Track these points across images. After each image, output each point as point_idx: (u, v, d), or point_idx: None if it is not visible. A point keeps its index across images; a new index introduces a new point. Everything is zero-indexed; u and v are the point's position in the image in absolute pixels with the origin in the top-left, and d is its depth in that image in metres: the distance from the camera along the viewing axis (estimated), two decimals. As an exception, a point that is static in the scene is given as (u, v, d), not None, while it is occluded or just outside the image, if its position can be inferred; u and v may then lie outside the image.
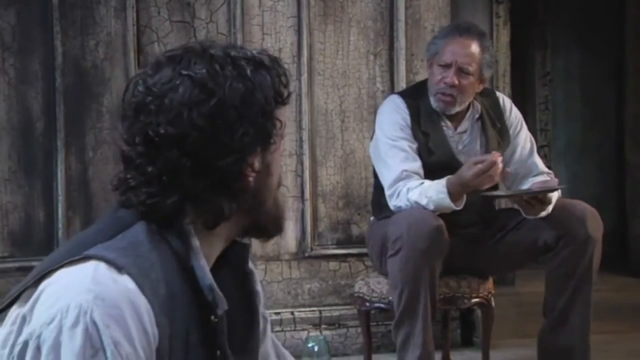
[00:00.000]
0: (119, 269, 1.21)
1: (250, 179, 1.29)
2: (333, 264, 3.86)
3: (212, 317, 1.27)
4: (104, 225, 1.29)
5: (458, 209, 2.90)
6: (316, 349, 3.14)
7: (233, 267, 1.38)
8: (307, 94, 3.80)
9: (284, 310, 3.80)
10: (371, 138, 3.24)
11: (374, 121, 3.26)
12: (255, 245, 3.75)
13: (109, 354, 1.16)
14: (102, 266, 1.21)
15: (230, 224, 1.31)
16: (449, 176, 2.89)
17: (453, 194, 2.87)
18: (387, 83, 3.85)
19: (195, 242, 1.28)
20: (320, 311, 3.84)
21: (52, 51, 3.62)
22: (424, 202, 2.89)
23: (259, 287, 1.45)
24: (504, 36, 4.73)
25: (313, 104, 3.82)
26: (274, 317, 3.74)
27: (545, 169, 3.20)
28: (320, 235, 3.86)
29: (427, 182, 2.93)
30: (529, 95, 6.29)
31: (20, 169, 3.64)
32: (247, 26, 3.76)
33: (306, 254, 3.83)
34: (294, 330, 3.79)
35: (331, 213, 3.86)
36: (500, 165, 2.84)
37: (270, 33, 3.79)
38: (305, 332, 3.75)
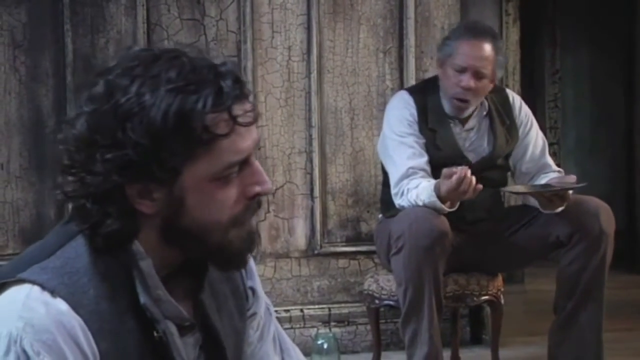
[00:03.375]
0: (51, 291, 1.19)
1: (142, 206, 1.21)
2: (342, 262, 3.87)
3: (155, 333, 1.24)
4: (49, 239, 1.27)
5: (452, 209, 2.90)
6: (325, 346, 3.14)
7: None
8: (317, 91, 3.81)
9: (293, 307, 3.81)
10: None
11: (383, 119, 3.26)
12: (265, 242, 3.77)
13: None
14: (35, 290, 1.19)
15: (162, 247, 1.24)
16: (436, 181, 2.89)
17: (442, 198, 2.86)
18: (397, 81, 3.85)
19: (140, 252, 1.23)
20: (329, 308, 3.84)
21: (62, 49, 3.63)
22: (420, 203, 2.90)
23: (251, 282, 1.41)
24: (513, 34, 4.73)
25: (322, 102, 3.83)
26: (283, 314, 3.75)
27: (556, 168, 3.19)
28: (329, 233, 3.86)
29: (423, 184, 2.92)
30: (539, 93, 6.28)
31: (31, 167, 3.65)
32: (257, 24, 3.77)
33: (315, 252, 3.84)
34: (304, 327, 3.80)
35: (340, 210, 3.86)
36: (473, 179, 2.77)
37: (279, 31, 3.80)
38: (315, 329, 3.76)
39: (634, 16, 5.74)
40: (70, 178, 1.23)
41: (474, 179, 2.78)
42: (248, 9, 3.75)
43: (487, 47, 3.00)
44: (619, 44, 6.08)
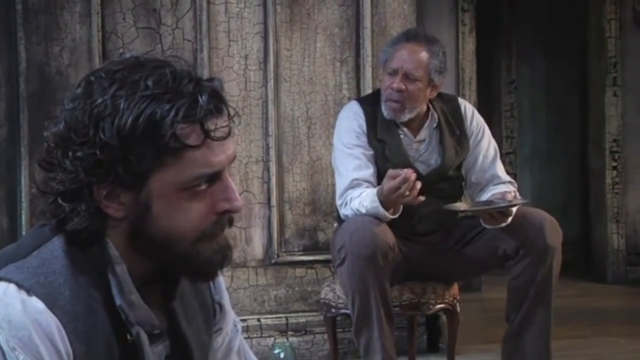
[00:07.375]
0: (27, 290, 1.20)
1: (109, 209, 1.22)
2: (299, 271, 3.86)
3: (128, 336, 1.25)
4: (25, 240, 1.29)
5: (395, 216, 2.90)
6: (282, 355, 3.13)
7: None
8: (274, 100, 3.80)
9: (250, 317, 3.79)
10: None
11: (335, 129, 3.26)
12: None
13: None
14: (11, 287, 1.20)
15: (130, 255, 1.25)
16: (380, 186, 2.90)
17: (385, 203, 2.87)
18: (354, 90, 3.86)
19: (115, 255, 1.24)
20: (286, 318, 3.84)
21: (15, 57, 3.59)
22: (363, 211, 2.91)
23: (219, 298, 1.43)
24: (469, 44, 4.78)
25: (279, 111, 3.82)
26: (241, 324, 3.72)
27: (507, 178, 3.19)
28: (286, 242, 3.85)
29: (366, 192, 2.94)
30: (495, 103, 6.34)
31: (-17, 176, 3.60)
32: (213, 32, 3.76)
33: (273, 261, 3.83)
34: (261, 337, 3.78)
35: (298, 220, 3.86)
36: (417, 184, 2.78)
37: (236, 39, 3.79)
38: (272, 338, 3.74)
39: (589, 27, 5.83)
40: (45, 174, 1.24)
41: (418, 185, 2.79)
42: (204, 18, 3.73)
43: (419, 50, 3.03)
44: (574, 53, 6.17)
